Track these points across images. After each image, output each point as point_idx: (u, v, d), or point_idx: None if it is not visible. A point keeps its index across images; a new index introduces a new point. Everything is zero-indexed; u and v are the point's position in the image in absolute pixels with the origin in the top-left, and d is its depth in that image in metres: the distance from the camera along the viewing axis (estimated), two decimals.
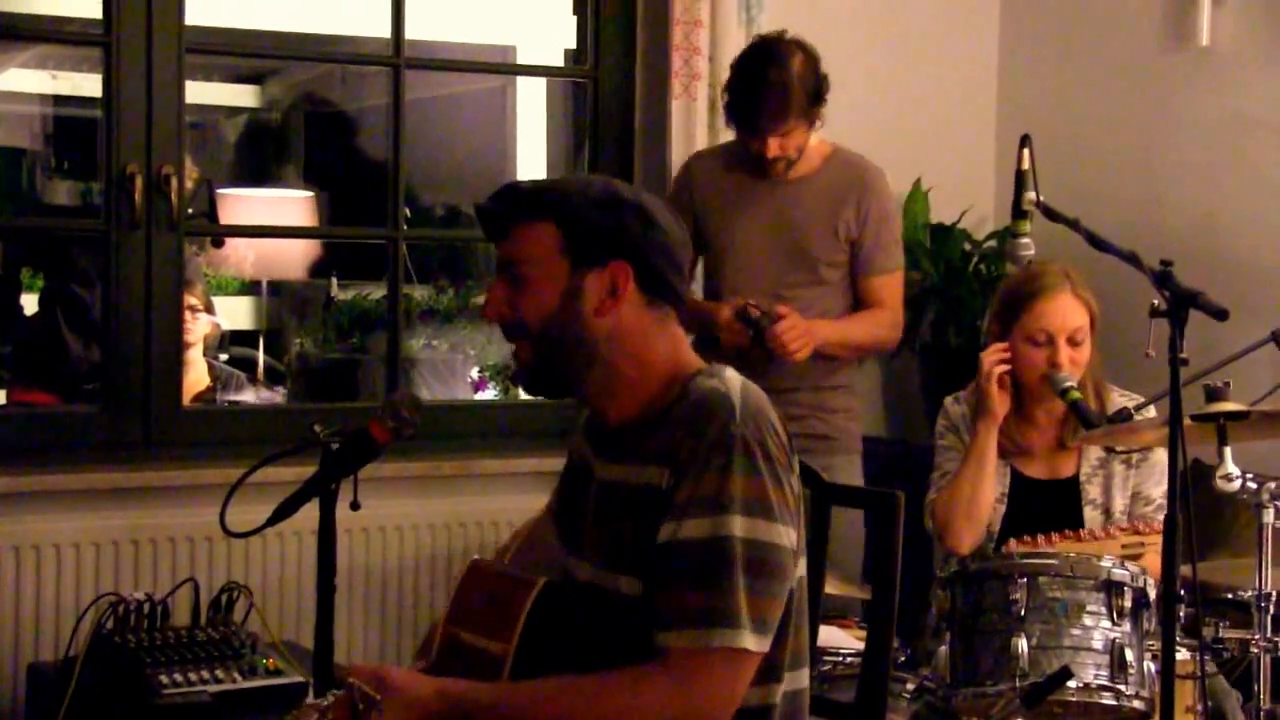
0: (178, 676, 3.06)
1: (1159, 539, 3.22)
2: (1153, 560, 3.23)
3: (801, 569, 2.18)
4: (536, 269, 2.17)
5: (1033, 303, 3.49)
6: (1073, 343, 3.48)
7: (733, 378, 2.16)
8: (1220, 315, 2.69)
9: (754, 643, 2.05)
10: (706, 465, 2.06)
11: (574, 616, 2.16)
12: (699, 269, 4.04)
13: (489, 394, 5.99)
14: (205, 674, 3.09)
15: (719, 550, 2.03)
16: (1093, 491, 3.55)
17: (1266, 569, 2.99)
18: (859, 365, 4.10)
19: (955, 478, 3.52)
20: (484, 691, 2.09)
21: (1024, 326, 3.49)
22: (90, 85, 6.09)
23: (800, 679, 2.22)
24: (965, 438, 3.59)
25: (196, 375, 5.04)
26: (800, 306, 3.82)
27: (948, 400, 3.71)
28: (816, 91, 3.80)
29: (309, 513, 2.40)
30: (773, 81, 3.74)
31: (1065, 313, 3.48)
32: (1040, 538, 3.28)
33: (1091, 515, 3.52)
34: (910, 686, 3.12)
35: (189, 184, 4.78)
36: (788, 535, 2.09)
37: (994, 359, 3.49)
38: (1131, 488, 3.54)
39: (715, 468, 2.06)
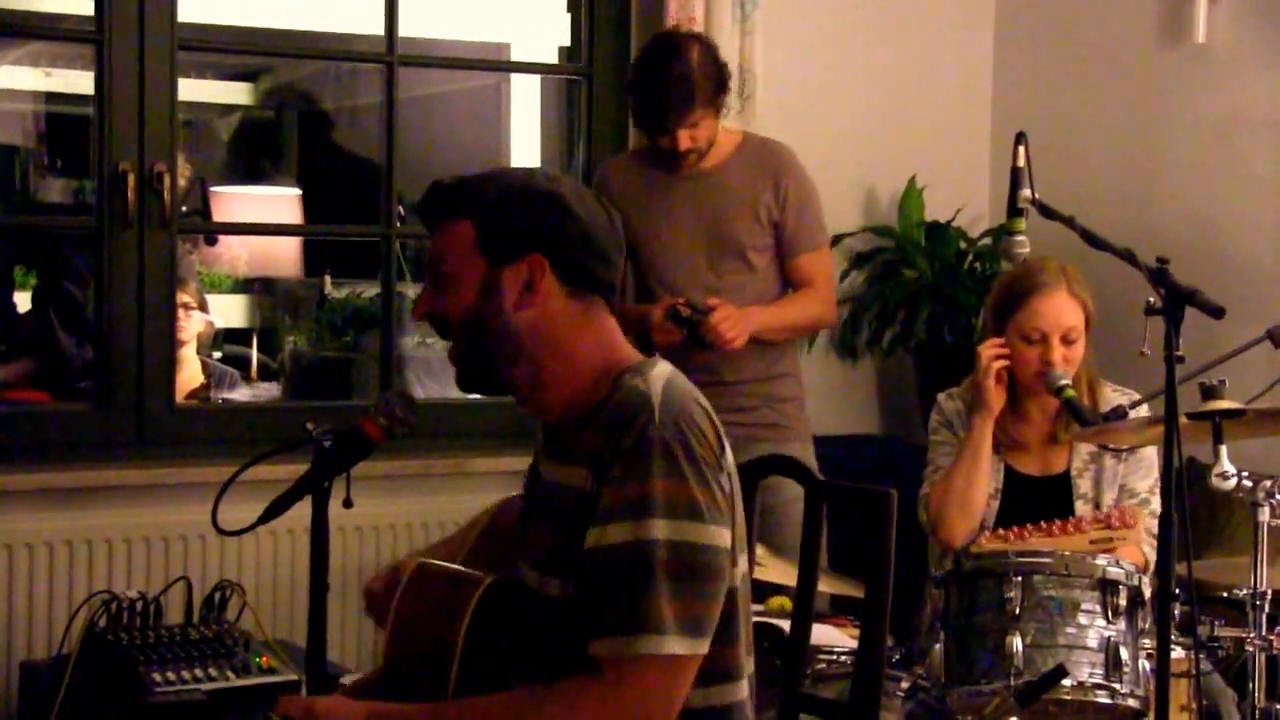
0: (170, 675, 3.05)
1: (1130, 532, 3.24)
2: (1128, 552, 3.24)
3: (743, 566, 2.15)
4: (455, 267, 2.17)
5: (1028, 300, 3.49)
6: (1066, 341, 3.48)
7: (658, 375, 2.12)
8: (1216, 313, 2.69)
9: (683, 646, 2.02)
10: (627, 469, 2.03)
11: (514, 617, 2.14)
12: (628, 273, 4.06)
13: None
14: (198, 672, 3.09)
15: (640, 556, 2.00)
16: (1084, 486, 3.55)
17: (1261, 567, 2.98)
18: (801, 352, 4.12)
19: (950, 470, 3.52)
20: (414, 713, 2.08)
21: (1018, 323, 3.49)
22: (83, 83, 6.06)
23: (744, 668, 2.20)
24: (959, 433, 3.59)
25: (190, 373, 5.03)
26: (732, 294, 3.84)
27: (941, 396, 3.71)
28: (719, 80, 3.84)
29: (302, 511, 2.39)
30: (674, 75, 3.77)
31: (1060, 312, 3.47)
32: (1013, 530, 3.28)
33: (1082, 509, 3.52)
34: (905, 685, 3.12)
35: (182, 182, 4.78)
36: (719, 534, 2.06)
37: (991, 353, 3.49)
38: (1119, 482, 3.55)
39: (635, 472, 2.03)
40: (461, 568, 2.27)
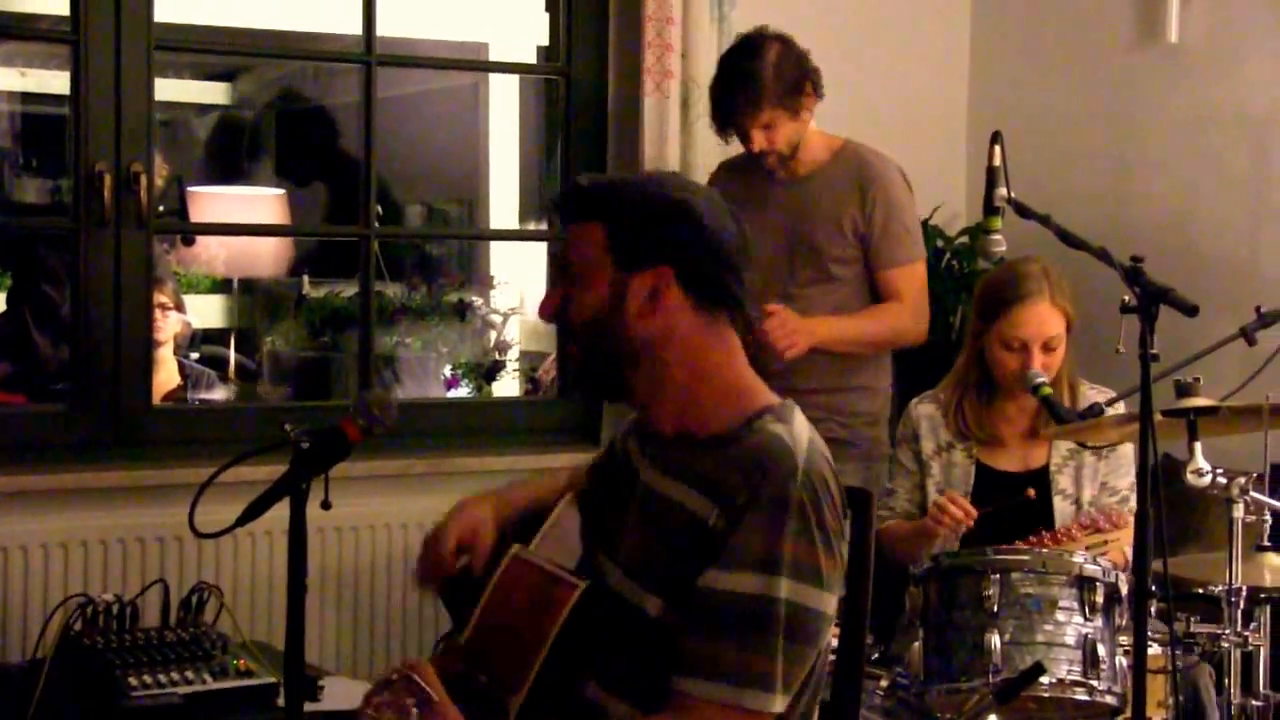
0: (147, 678, 3.03)
1: (1121, 534, 3.25)
2: (1117, 554, 3.25)
3: (831, 628, 2.17)
4: (584, 269, 2.17)
5: (1011, 309, 3.50)
6: (1047, 349, 3.50)
7: (801, 428, 2.14)
8: (1190, 311, 2.70)
9: (781, 704, 2.05)
10: (762, 520, 2.04)
11: (603, 626, 2.15)
12: None
13: (461, 392, 5.98)
14: (175, 675, 3.06)
15: (764, 610, 2.02)
16: (1063, 482, 3.57)
17: (1236, 563, 3.00)
18: (884, 364, 4.04)
19: (901, 535, 3.52)
20: None
21: (1000, 330, 3.51)
22: (59, 83, 6.05)
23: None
24: (923, 445, 3.61)
25: (167, 374, 5.01)
26: (808, 305, 3.81)
27: (912, 402, 3.72)
28: (795, 82, 3.80)
29: (280, 512, 2.38)
30: (744, 71, 3.76)
31: (1042, 322, 3.49)
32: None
33: (1061, 506, 3.54)
34: (884, 683, 3.13)
35: (159, 182, 4.76)
36: (831, 601, 2.09)
37: (959, 518, 3.41)
38: (1100, 479, 3.56)
39: (771, 524, 2.04)
40: (558, 568, 2.26)
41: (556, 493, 2.46)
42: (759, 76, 3.76)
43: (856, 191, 3.88)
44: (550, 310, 2.22)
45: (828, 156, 3.93)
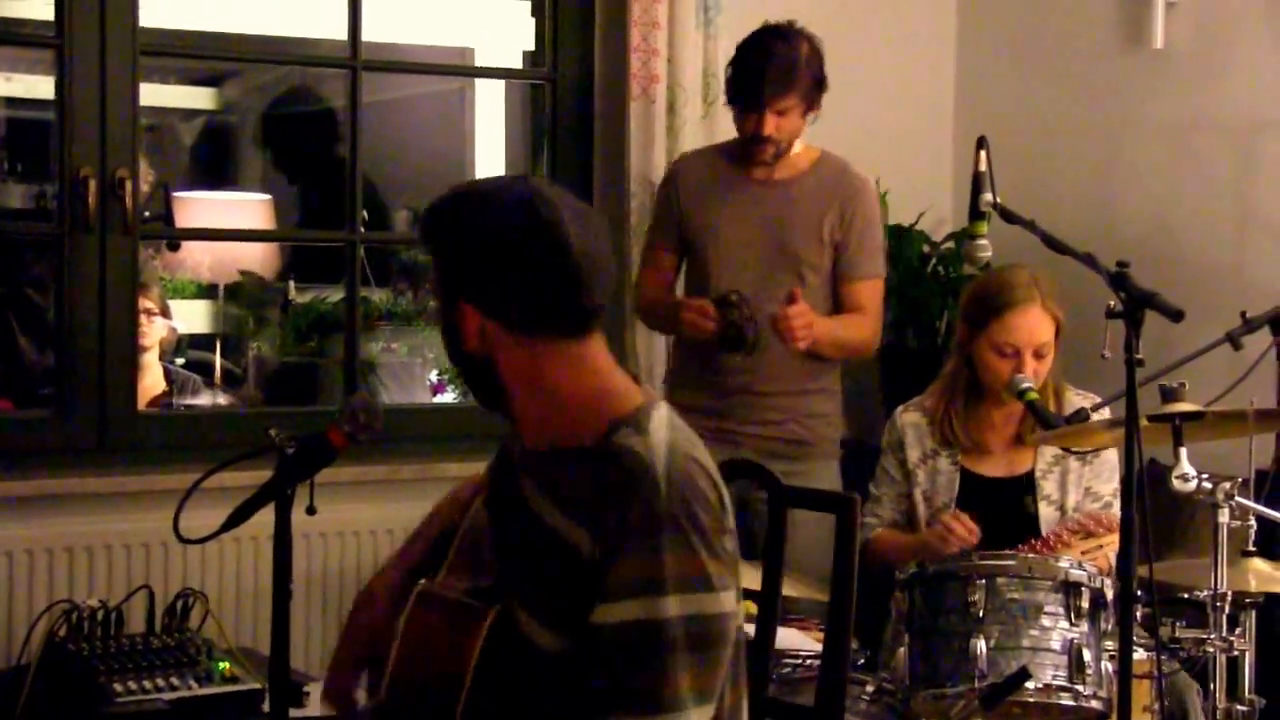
0: (132, 684, 3.02)
1: (1114, 536, 3.25)
2: (1103, 560, 3.26)
3: (740, 617, 2.12)
4: (437, 298, 2.15)
5: (1003, 315, 3.50)
6: (1038, 355, 3.50)
7: (658, 433, 2.05)
8: (1175, 316, 2.70)
9: (699, 716, 2.01)
10: (636, 547, 1.98)
11: (515, 659, 2.09)
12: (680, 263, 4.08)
13: (448, 397, 5.96)
14: (160, 681, 3.05)
15: (655, 635, 1.97)
16: (1048, 487, 3.57)
17: (1221, 569, 3.00)
18: (837, 365, 4.08)
19: (899, 548, 3.52)
20: None
21: (991, 335, 3.51)
22: (44, 88, 6.03)
23: (740, 713, 2.18)
24: (909, 454, 3.61)
25: (152, 379, 5.00)
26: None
27: (899, 409, 3.72)
28: (819, 78, 3.86)
29: (266, 518, 2.38)
30: (779, 53, 3.80)
31: (1034, 328, 3.50)
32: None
33: (1046, 511, 3.55)
34: (870, 688, 3.12)
35: (145, 187, 4.75)
36: (728, 599, 2.04)
37: (965, 537, 3.41)
38: (1084, 484, 3.57)
39: (645, 549, 1.98)
40: (464, 598, 2.19)
41: (460, 507, 2.39)
42: (796, 64, 3.80)
43: (836, 201, 3.90)
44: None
45: (807, 165, 3.96)
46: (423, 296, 6.51)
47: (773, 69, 3.78)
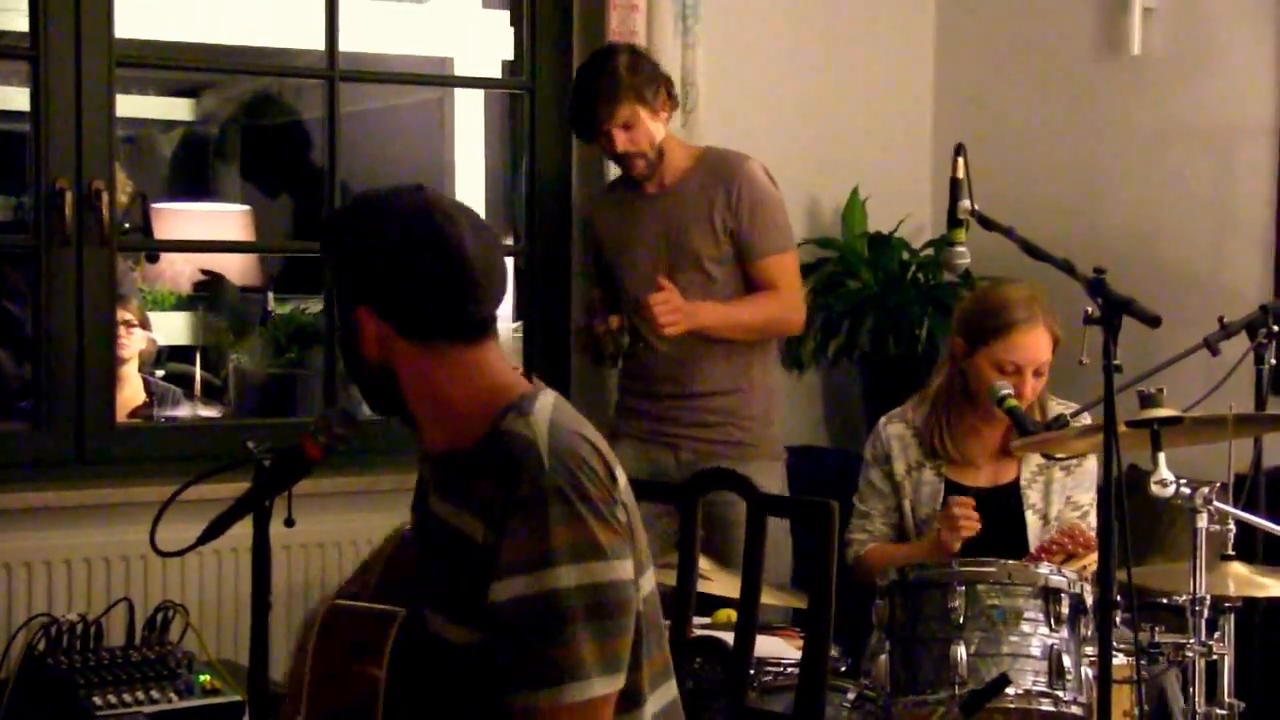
0: (111, 698, 3.02)
1: (1095, 556, 3.26)
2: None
3: (646, 587, 2.14)
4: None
5: (1007, 334, 3.48)
6: (1037, 374, 3.51)
7: (539, 415, 2.09)
8: (1152, 322, 2.71)
9: (605, 686, 2.02)
10: (524, 521, 2.01)
11: (427, 660, 2.12)
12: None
13: None
14: (140, 694, 3.05)
15: (551, 605, 1.99)
16: (1033, 497, 3.58)
17: (1200, 573, 3.00)
18: (770, 362, 4.09)
19: (889, 559, 3.50)
20: None
21: (993, 353, 3.50)
22: (20, 99, 6.02)
23: (668, 692, 2.20)
24: (895, 466, 3.62)
25: (132, 391, 4.99)
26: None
27: (882, 420, 3.72)
28: (650, 80, 3.90)
29: (246, 530, 2.38)
30: (600, 69, 3.89)
31: (1038, 348, 3.50)
32: None
33: (1032, 520, 3.56)
34: (851, 695, 3.12)
35: (123, 198, 4.73)
36: (623, 567, 2.05)
37: (965, 522, 3.41)
38: (1065, 493, 3.58)
39: (533, 522, 2.00)
40: (373, 605, 2.22)
41: (390, 540, 2.41)
42: (614, 73, 3.86)
43: (722, 189, 3.93)
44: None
45: (690, 164, 3.99)
46: None
47: (596, 87, 3.87)
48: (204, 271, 6.48)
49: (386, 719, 2.08)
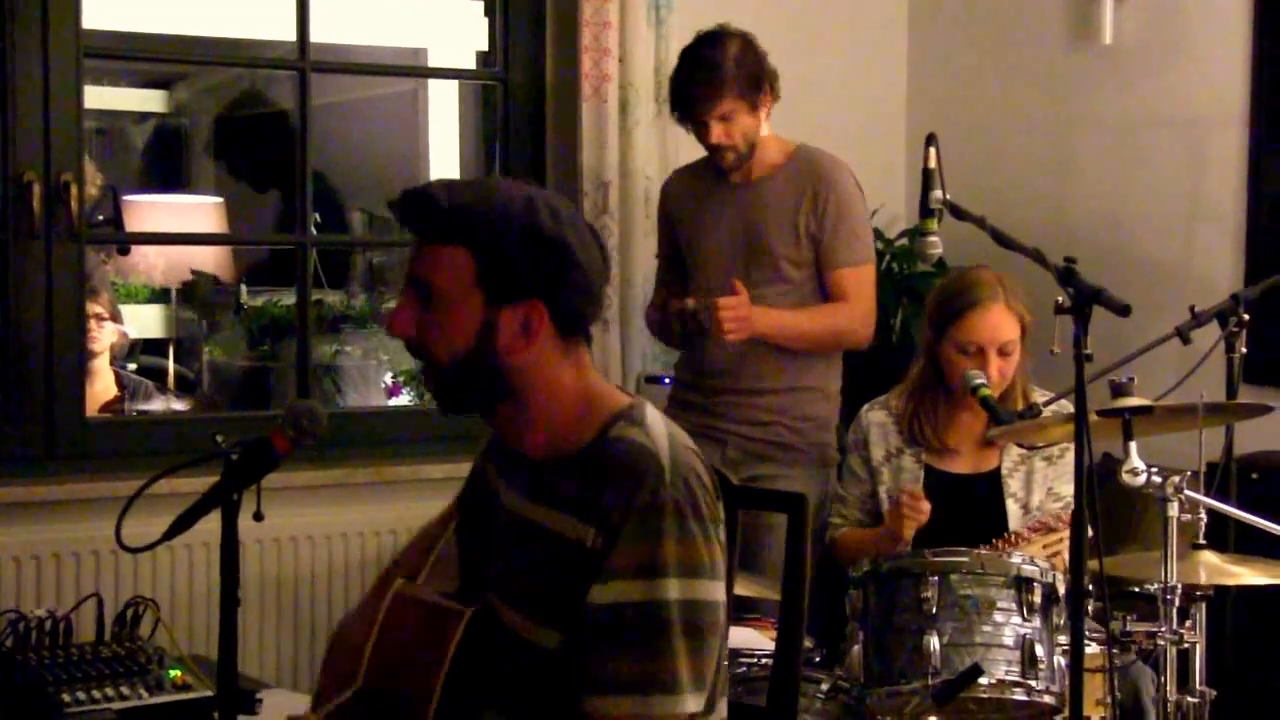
0: (80, 694, 2.99)
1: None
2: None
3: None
4: (449, 297, 2.08)
5: (966, 315, 3.51)
6: (1002, 354, 3.51)
7: (656, 425, 2.10)
8: (1122, 311, 2.71)
9: (694, 703, 2.02)
10: (639, 530, 2.01)
11: (498, 658, 2.12)
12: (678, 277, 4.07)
13: (403, 400, 5.95)
14: (109, 691, 3.02)
15: (655, 616, 1.99)
16: (1014, 485, 3.58)
17: (1171, 562, 3.01)
18: (834, 366, 4.00)
19: (865, 542, 3.52)
20: None
21: (955, 336, 3.52)
22: None
23: (724, 707, 2.20)
24: (873, 452, 3.62)
25: (103, 385, 4.96)
26: (764, 305, 3.80)
27: (864, 408, 3.72)
28: (756, 76, 3.81)
29: (216, 524, 2.36)
30: (706, 60, 3.77)
31: (997, 327, 3.50)
32: None
33: (1012, 509, 3.56)
34: (825, 686, 3.12)
35: (93, 191, 4.70)
36: (720, 589, 2.07)
37: (915, 512, 3.41)
38: (1047, 484, 3.58)
39: (648, 532, 2.01)
40: (441, 598, 2.22)
41: (443, 523, 2.41)
42: (721, 65, 3.76)
43: (809, 193, 3.87)
44: (406, 331, 2.13)
45: (781, 159, 3.92)
46: (377, 298, 6.48)
47: (699, 78, 3.77)
48: (194, 271, 6.45)
49: (440, 711, 2.08)
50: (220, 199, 6.82)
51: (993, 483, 3.59)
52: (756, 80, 3.81)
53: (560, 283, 2.10)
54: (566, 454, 2.12)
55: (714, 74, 3.76)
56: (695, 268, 3.97)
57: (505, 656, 2.12)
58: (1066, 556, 3.27)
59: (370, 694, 2.19)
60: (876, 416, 3.68)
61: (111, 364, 5.10)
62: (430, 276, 2.09)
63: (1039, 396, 3.58)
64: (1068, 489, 3.54)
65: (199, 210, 6.74)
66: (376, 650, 2.19)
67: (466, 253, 2.07)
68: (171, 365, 6.12)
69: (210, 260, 6.59)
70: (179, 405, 5.63)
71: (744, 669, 3.11)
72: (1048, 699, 2.93)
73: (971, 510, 3.55)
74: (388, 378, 6.12)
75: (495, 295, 2.08)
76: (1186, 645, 3.05)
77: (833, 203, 3.86)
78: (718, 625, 2.07)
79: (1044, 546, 3.29)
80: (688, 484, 2.05)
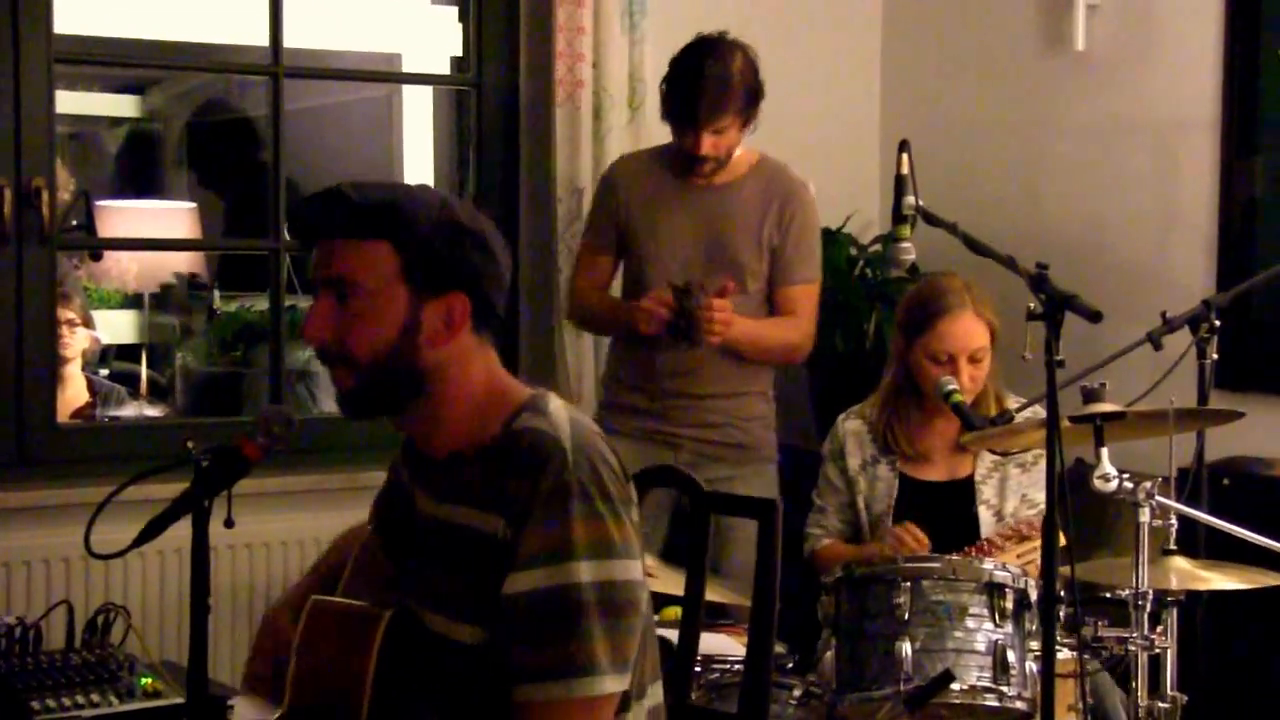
0: (51, 702, 2.98)
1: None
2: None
3: (647, 588, 2.14)
4: (372, 293, 2.06)
5: (935, 323, 3.53)
6: (973, 361, 3.52)
7: (559, 413, 2.10)
8: (1093, 318, 2.72)
9: (615, 684, 2.02)
10: (546, 515, 2.01)
11: (424, 660, 2.11)
12: (619, 271, 4.05)
13: None
14: (80, 698, 3.02)
15: (568, 600, 1.99)
16: (987, 492, 3.59)
17: (1143, 567, 3.01)
18: (771, 372, 4.06)
19: (841, 558, 3.53)
20: None
21: (926, 344, 3.53)
22: None
23: (658, 692, 2.20)
24: (849, 462, 3.63)
25: (75, 391, 4.94)
26: None
27: (840, 417, 3.74)
28: (755, 92, 3.82)
29: (187, 531, 2.35)
30: (712, 74, 3.76)
31: (967, 334, 3.52)
32: None
33: (985, 516, 3.57)
34: (798, 692, 3.12)
35: (66, 196, 4.69)
36: (635, 567, 2.06)
37: (914, 546, 3.44)
38: (1021, 491, 3.59)
39: (555, 517, 2.01)
40: (358, 602, 2.21)
41: (357, 539, 2.40)
42: (730, 83, 3.76)
43: (776, 205, 3.88)
44: (323, 335, 2.09)
45: (746, 169, 3.93)
46: None
47: (708, 91, 3.74)
48: (177, 275, 6.43)
49: (372, 715, 2.07)
50: (193, 204, 6.80)
51: (966, 490, 3.60)
52: (755, 96, 3.83)
53: (481, 274, 2.11)
54: (473, 449, 2.11)
55: (723, 89, 3.75)
56: (644, 262, 3.93)
57: (431, 658, 2.11)
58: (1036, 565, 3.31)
59: (300, 712, 2.17)
60: (852, 425, 3.70)
61: (83, 370, 5.09)
62: (350, 273, 2.07)
63: (1012, 402, 3.59)
64: (1042, 495, 3.55)
65: (172, 215, 6.72)
66: (299, 666, 2.17)
67: (388, 246, 2.07)
68: (144, 371, 6.10)
69: (184, 266, 6.57)
70: (151, 411, 5.62)
71: (716, 675, 3.11)
72: (1019, 705, 2.93)
73: (945, 518, 3.56)
74: None
75: (419, 288, 2.08)
76: (1158, 651, 3.05)
77: (798, 218, 3.89)
78: (637, 604, 2.06)
79: (1018, 555, 3.30)
80: (592, 466, 2.04)
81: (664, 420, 3.90)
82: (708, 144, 3.78)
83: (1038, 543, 3.26)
